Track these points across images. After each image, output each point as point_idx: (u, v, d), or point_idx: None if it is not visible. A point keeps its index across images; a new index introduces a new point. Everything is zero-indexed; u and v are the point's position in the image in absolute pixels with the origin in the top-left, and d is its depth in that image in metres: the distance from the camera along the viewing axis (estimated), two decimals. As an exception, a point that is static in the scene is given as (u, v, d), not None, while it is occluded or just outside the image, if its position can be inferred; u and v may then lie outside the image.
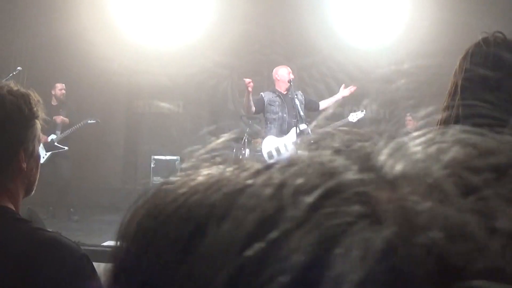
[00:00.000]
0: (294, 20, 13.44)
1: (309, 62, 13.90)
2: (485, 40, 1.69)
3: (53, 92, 11.24)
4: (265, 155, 9.66)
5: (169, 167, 12.43)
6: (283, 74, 9.60)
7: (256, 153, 10.45)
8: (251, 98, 9.37)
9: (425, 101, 13.22)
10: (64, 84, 11.35)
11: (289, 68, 9.83)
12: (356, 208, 0.34)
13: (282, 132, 9.53)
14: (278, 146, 9.53)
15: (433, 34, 13.13)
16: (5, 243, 1.82)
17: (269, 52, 13.66)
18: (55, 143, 10.88)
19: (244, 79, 9.32)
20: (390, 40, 13.22)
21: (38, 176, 2.08)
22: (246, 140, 12.12)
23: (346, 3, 13.03)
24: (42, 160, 10.29)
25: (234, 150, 12.45)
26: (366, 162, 0.40)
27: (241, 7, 13.13)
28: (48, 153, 10.83)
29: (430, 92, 13.29)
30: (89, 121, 11.20)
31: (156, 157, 12.54)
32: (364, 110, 9.89)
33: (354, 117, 9.78)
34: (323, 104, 9.94)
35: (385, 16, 13.04)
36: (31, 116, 1.97)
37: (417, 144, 0.41)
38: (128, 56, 13.55)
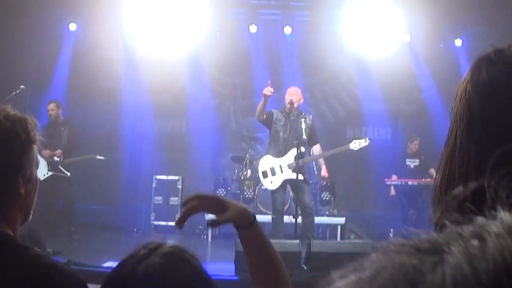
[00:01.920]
0: (299, 39, 13.49)
1: (312, 82, 13.91)
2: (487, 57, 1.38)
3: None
4: (260, 175, 9.64)
5: (170, 187, 12.42)
6: (286, 95, 9.58)
7: (256, 174, 10.44)
8: (266, 104, 9.27)
9: (432, 122, 13.28)
10: (55, 103, 11.22)
11: (295, 89, 9.76)
12: None
13: (281, 152, 9.48)
14: (274, 166, 9.49)
15: (433, 54, 13.24)
16: (4, 270, 1.82)
17: (273, 72, 13.70)
18: (59, 166, 10.82)
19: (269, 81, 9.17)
20: (389, 59, 13.23)
21: (35, 200, 2.09)
22: (248, 160, 12.14)
23: (349, 23, 13.01)
24: (42, 178, 10.31)
25: (236, 171, 12.47)
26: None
27: (246, 27, 13.19)
28: (50, 173, 10.79)
29: (435, 113, 13.39)
30: (97, 157, 11.17)
31: (158, 177, 12.54)
32: (368, 139, 9.73)
33: (356, 145, 9.64)
34: (316, 149, 9.83)
35: (385, 36, 13.03)
36: (29, 141, 1.97)
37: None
38: (133, 74, 13.62)
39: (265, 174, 9.56)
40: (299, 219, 9.18)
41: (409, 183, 11.57)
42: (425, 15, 12.66)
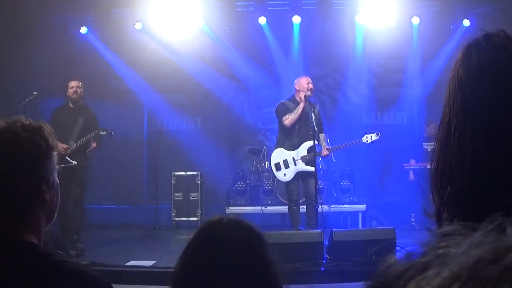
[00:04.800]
0: (308, 31, 13.45)
1: (323, 72, 13.86)
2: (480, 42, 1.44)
3: (67, 94, 9.96)
4: (273, 167, 9.53)
5: (189, 183, 12.41)
6: (302, 85, 9.32)
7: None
8: None
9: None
10: (79, 82, 9.89)
11: (309, 78, 9.60)
12: None
13: (295, 145, 9.34)
14: (287, 159, 9.37)
15: (444, 35, 13.14)
16: (32, 279, 1.84)
17: (284, 64, 13.65)
18: (66, 157, 9.30)
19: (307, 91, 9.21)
20: (399, 43, 13.21)
21: (58, 203, 2.11)
22: (265, 152, 12.12)
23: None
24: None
25: (254, 163, 12.46)
26: None
27: (255, 20, 13.17)
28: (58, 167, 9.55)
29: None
30: (100, 133, 9.66)
31: (176, 173, 12.53)
32: (379, 134, 9.59)
33: (368, 138, 9.52)
34: (321, 138, 9.38)
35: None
36: (48, 149, 1.99)
37: None
38: (145, 74, 13.68)
39: (278, 167, 9.44)
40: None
41: (428, 166, 11.48)
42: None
